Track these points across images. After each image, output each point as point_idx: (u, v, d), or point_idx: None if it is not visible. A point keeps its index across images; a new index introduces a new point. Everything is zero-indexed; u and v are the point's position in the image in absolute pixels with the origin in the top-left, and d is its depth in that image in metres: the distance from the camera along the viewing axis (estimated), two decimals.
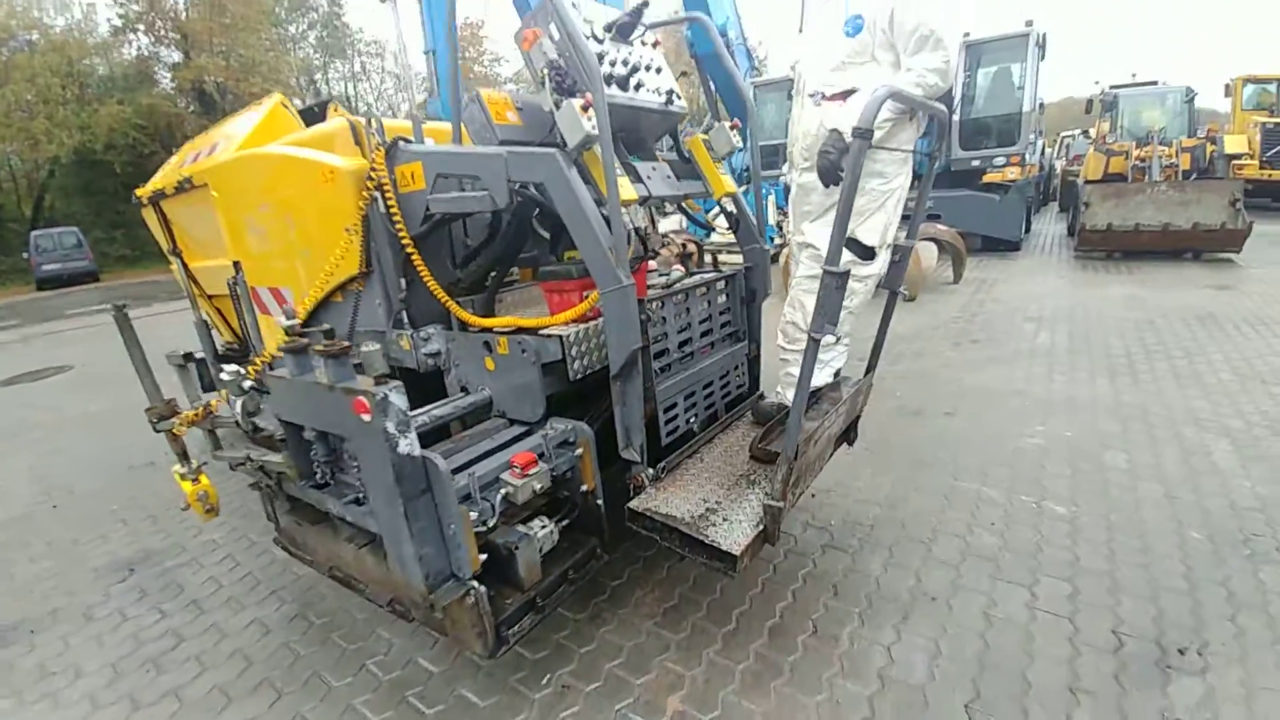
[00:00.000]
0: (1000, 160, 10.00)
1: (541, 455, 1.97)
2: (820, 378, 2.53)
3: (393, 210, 2.23)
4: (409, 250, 2.25)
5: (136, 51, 26.22)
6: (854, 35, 2.17)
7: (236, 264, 3.12)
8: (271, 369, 2.31)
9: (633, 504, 1.96)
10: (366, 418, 1.63)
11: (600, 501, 2.12)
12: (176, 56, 26.45)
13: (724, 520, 1.85)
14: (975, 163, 10.12)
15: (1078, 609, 2.23)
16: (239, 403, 2.31)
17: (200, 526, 3.35)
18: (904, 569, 2.51)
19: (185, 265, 3.94)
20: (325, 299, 2.67)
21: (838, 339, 2.53)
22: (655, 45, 2.31)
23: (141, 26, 25.66)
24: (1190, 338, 5.36)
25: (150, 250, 17.56)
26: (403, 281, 2.37)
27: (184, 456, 2.68)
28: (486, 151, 2.00)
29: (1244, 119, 14.34)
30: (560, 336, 1.99)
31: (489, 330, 2.19)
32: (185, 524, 3.43)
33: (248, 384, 2.35)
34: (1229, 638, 2.05)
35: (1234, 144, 13.34)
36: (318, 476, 2.10)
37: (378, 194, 2.26)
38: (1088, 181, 10.82)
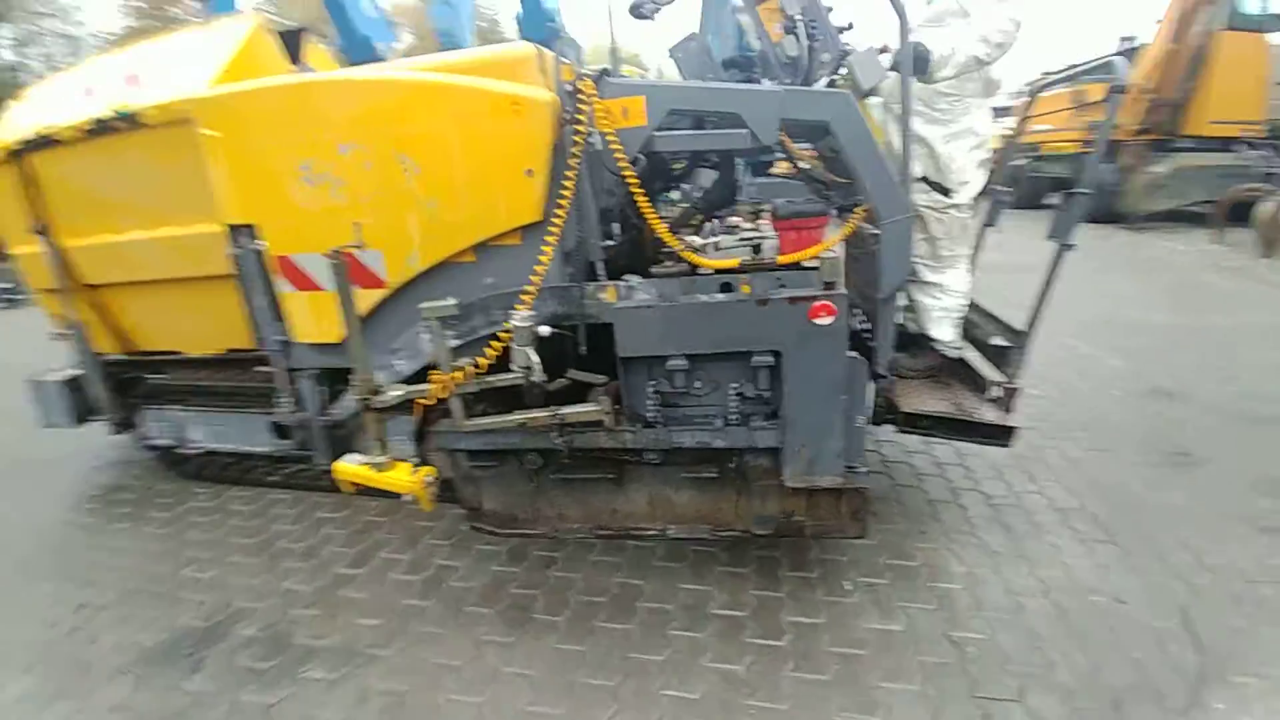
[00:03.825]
0: None
1: None
2: (939, 331, 2.54)
3: (615, 147, 2.06)
4: (635, 192, 2.10)
5: None
6: (928, 3, 2.36)
7: (241, 229, 2.39)
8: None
9: (905, 409, 2.22)
10: (827, 320, 1.76)
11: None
12: None
13: (974, 409, 2.26)
14: None
15: None
16: (528, 354, 1.89)
17: None
18: None
19: (55, 247, 2.77)
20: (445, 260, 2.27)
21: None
22: None
23: None
24: None
25: None
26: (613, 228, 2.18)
27: (383, 442, 2.12)
28: (751, 88, 2.02)
29: None
30: (818, 267, 2.10)
31: (728, 271, 2.18)
32: None
33: (545, 330, 1.94)
34: None
35: None
36: (649, 415, 1.97)
37: (593, 129, 2.05)
38: None
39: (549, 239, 2.03)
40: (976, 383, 2.46)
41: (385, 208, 2.23)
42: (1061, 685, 1.70)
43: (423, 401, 2.11)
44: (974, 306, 2.67)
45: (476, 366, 1.99)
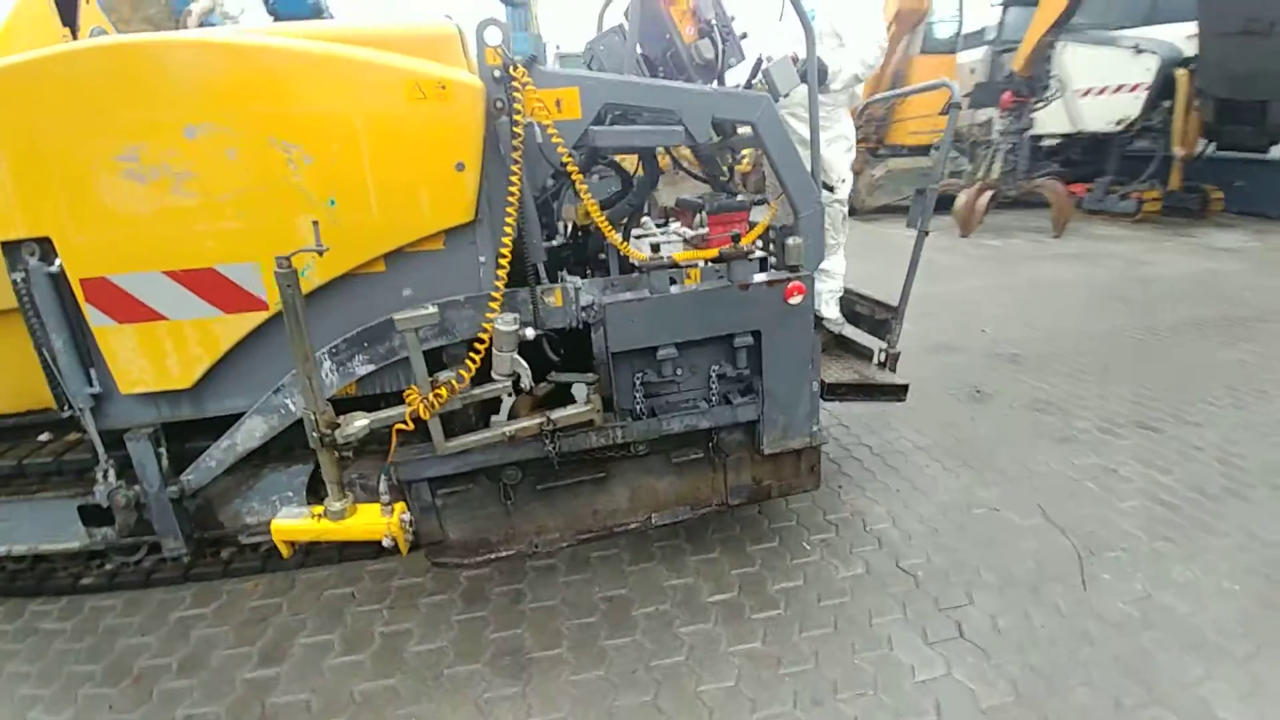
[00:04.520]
0: None
1: None
2: (828, 310, 2.95)
3: (557, 140, 1.93)
4: (580, 187, 2.00)
5: None
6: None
7: (20, 245, 1.75)
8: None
9: (825, 380, 2.46)
10: (798, 300, 1.90)
11: None
12: None
13: (874, 375, 2.62)
14: None
15: None
16: (514, 359, 1.67)
17: None
18: None
19: None
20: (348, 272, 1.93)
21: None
22: None
23: None
24: None
25: None
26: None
27: (341, 485, 1.67)
28: (687, 87, 2.06)
29: None
30: (761, 257, 2.23)
31: (675, 265, 2.19)
32: None
33: (531, 332, 1.67)
34: None
35: None
36: (638, 408, 1.92)
37: (530, 120, 1.89)
38: None
39: (505, 239, 1.83)
40: (860, 353, 2.87)
41: (260, 208, 1.80)
42: (991, 584, 2.10)
43: (400, 427, 1.75)
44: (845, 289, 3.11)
45: (460, 380, 1.72)
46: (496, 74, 1.83)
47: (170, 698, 1.79)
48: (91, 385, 1.92)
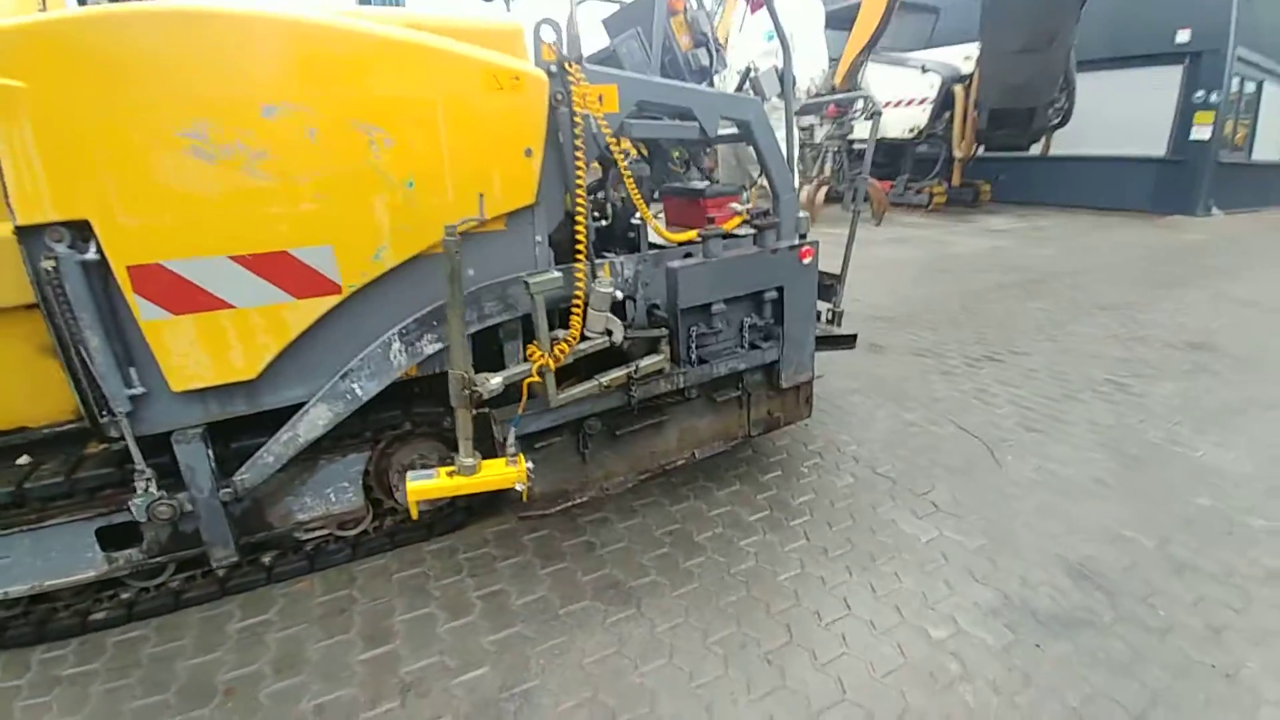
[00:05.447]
0: None
1: None
2: None
3: (606, 130, 2.17)
4: (624, 173, 2.25)
5: None
6: (768, 40, 3.41)
7: (51, 229, 1.61)
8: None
9: None
10: (808, 260, 2.40)
11: None
12: None
13: (829, 329, 3.19)
14: None
15: None
16: (609, 318, 1.86)
17: None
18: None
19: None
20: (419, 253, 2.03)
21: None
22: None
23: None
24: None
25: None
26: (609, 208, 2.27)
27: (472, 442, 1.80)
28: (701, 89, 2.41)
29: None
30: (751, 234, 2.67)
31: (690, 242, 2.53)
32: None
33: (621, 294, 1.85)
34: None
35: None
36: (693, 356, 2.27)
37: (587, 112, 2.11)
38: None
39: (579, 218, 2.04)
40: None
41: (338, 190, 1.83)
42: (941, 474, 2.76)
43: (529, 381, 1.87)
44: None
45: (568, 341, 1.90)
46: (552, 69, 2.03)
47: (284, 697, 1.73)
48: (131, 386, 1.75)
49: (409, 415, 2.22)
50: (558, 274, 1.91)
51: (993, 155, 11.54)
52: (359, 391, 2.01)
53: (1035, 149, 11.51)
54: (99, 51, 1.53)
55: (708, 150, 3.19)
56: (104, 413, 1.75)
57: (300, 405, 1.97)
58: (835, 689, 1.71)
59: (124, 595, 2.03)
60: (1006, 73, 9.30)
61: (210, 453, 1.92)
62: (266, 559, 2.16)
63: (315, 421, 1.99)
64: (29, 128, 1.50)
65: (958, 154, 10.70)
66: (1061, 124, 10.15)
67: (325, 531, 2.20)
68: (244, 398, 1.91)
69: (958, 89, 10.19)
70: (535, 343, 1.93)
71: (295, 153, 1.73)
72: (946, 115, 10.62)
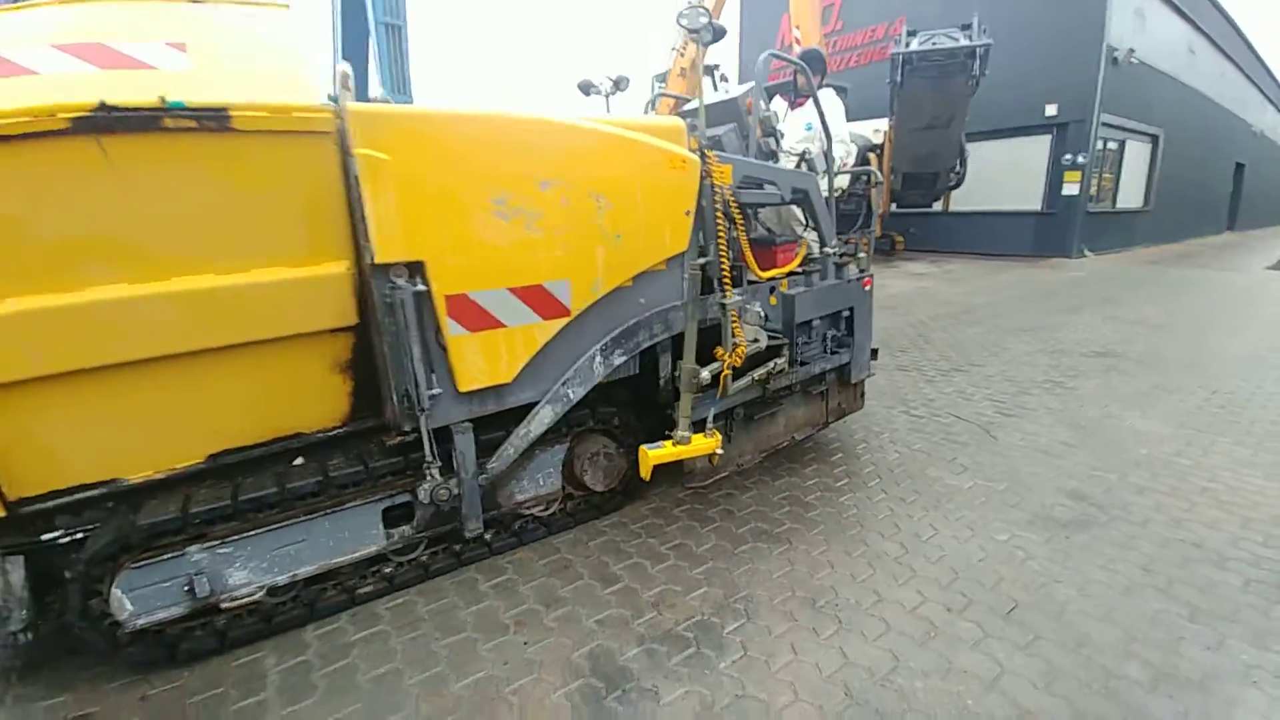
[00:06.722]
0: None
1: None
2: None
3: (730, 199, 2.98)
4: (740, 228, 3.06)
5: None
6: (807, 130, 4.43)
7: (392, 268, 2.16)
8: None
9: None
10: (869, 288, 3.26)
11: None
12: None
13: None
14: None
15: None
16: (759, 330, 2.57)
17: None
18: None
19: None
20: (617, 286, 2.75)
21: None
22: None
23: None
24: None
25: None
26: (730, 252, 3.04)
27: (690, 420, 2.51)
28: (780, 168, 3.29)
29: None
30: (811, 272, 3.54)
31: (774, 278, 3.35)
32: None
33: (761, 310, 2.57)
34: None
35: None
36: (799, 359, 3.06)
37: (720, 185, 2.92)
38: None
39: (723, 261, 2.81)
40: None
41: (576, 240, 2.51)
42: (958, 451, 3.66)
43: (725, 373, 2.58)
44: None
45: (743, 345, 2.63)
46: (694, 153, 2.84)
47: (566, 619, 2.26)
48: (432, 388, 2.30)
49: (595, 415, 2.83)
50: (740, 296, 2.66)
51: (904, 211, 13.52)
52: (572, 395, 2.62)
53: (937, 206, 13.62)
54: (443, 137, 2.16)
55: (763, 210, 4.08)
56: (405, 409, 2.26)
57: (526, 406, 2.56)
58: (950, 574, 2.46)
59: (385, 570, 2.46)
60: (915, 145, 11.20)
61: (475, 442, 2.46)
62: (488, 535, 2.66)
63: (543, 420, 2.58)
64: (392, 189, 2.09)
65: (877, 210, 12.52)
66: (957, 185, 12.20)
67: (538, 509, 2.73)
68: (494, 399, 2.48)
69: (871, 156, 12.04)
70: (719, 347, 2.65)
71: (555, 214, 2.41)
72: (864, 178, 12.44)
